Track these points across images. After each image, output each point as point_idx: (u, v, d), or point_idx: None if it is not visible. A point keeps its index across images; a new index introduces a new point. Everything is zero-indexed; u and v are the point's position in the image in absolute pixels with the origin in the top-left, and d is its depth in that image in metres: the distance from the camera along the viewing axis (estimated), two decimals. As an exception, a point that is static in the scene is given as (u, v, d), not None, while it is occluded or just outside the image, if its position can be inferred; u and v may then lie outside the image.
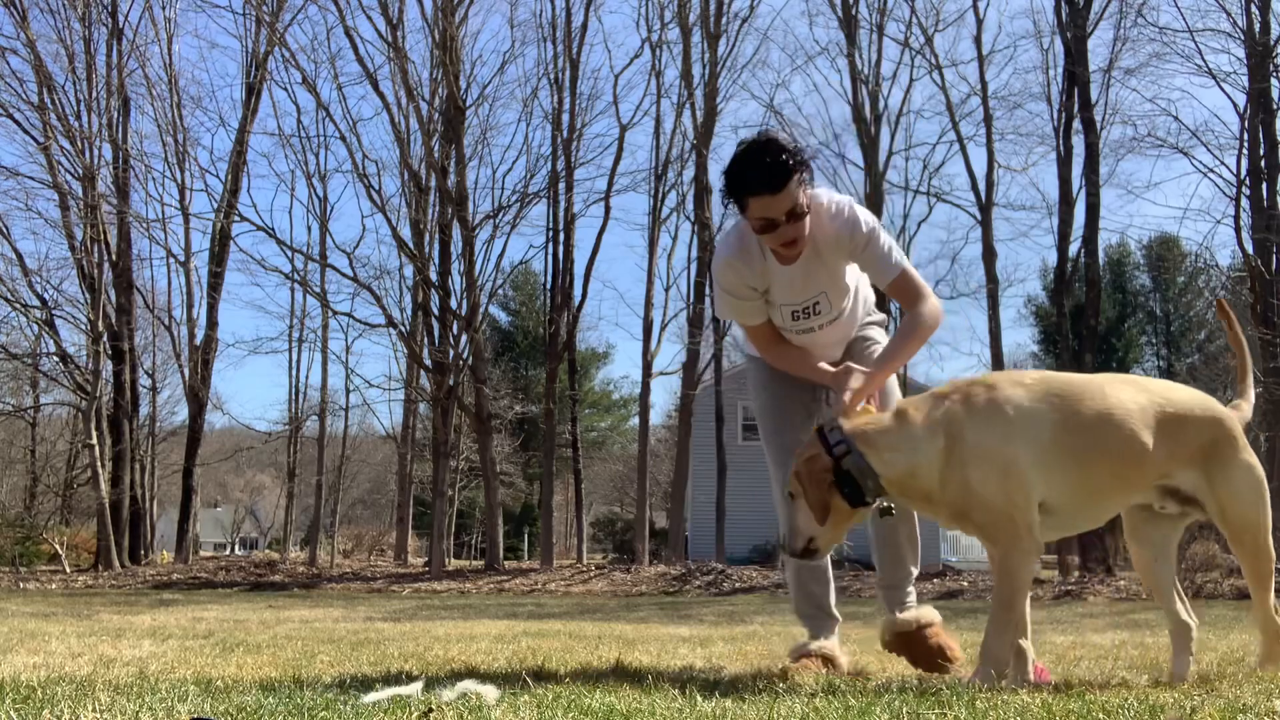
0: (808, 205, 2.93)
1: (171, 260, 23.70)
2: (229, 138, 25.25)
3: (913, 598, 3.27)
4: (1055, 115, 20.38)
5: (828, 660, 3.16)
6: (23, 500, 26.73)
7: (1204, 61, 19.71)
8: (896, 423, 2.71)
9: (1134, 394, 2.78)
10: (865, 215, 3.04)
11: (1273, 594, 2.79)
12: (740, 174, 2.90)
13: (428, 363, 20.93)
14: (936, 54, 21.18)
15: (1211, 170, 20.01)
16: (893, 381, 3.26)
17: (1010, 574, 2.61)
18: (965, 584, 15.48)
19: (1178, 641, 2.94)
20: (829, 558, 3.24)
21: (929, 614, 3.18)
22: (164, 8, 23.20)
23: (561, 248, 22.20)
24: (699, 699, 2.28)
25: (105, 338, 21.47)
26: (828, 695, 2.35)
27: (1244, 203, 19.26)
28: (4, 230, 21.39)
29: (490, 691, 2.30)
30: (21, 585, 16.61)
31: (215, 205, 23.30)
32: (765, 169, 2.85)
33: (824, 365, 3.13)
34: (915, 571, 3.32)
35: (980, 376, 2.82)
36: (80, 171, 21.49)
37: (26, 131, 21.35)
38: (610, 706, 2.17)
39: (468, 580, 17.47)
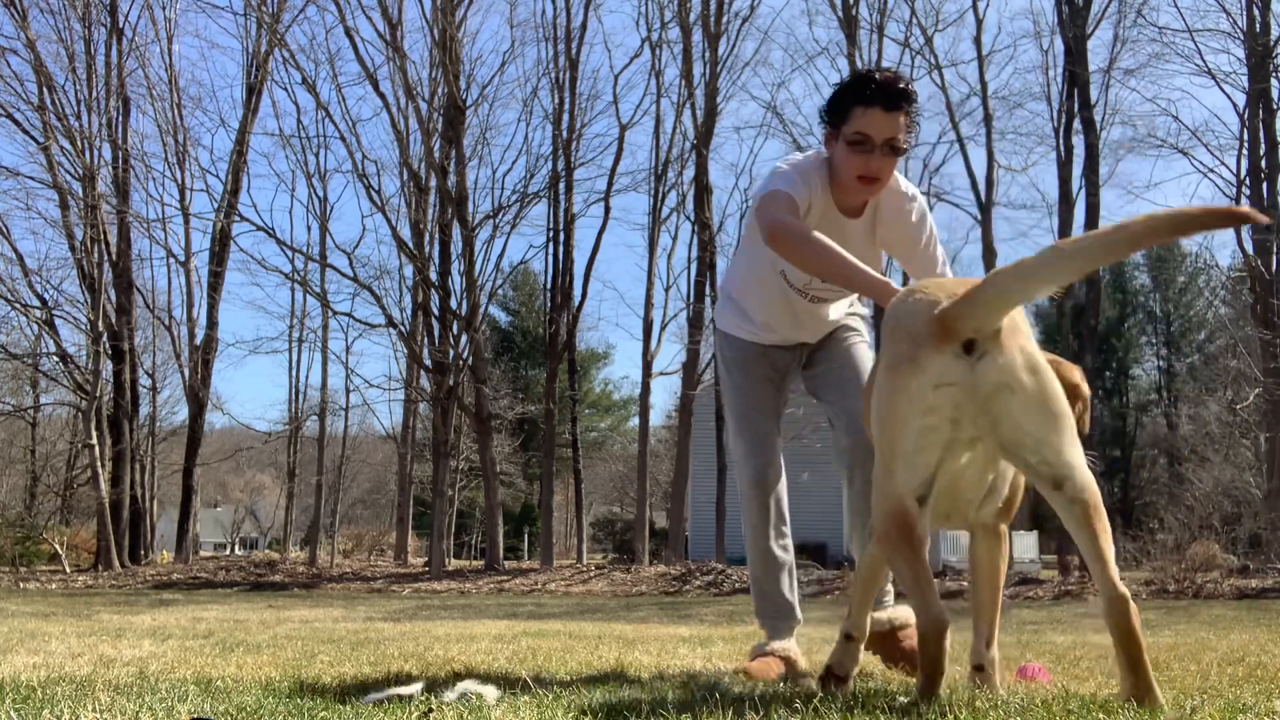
0: (906, 147, 2.85)
1: (171, 260, 23.76)
2: (229, 138, 25.28)
3: (889, 597, 3.13)
4: (1055, 115, 20.40)
5: (786, 661, 3.12)
6: (23, 500, 26.72)
7: (1204, 61, 19.78)
8: None
9: None
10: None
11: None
12: (860, 81, 2.82)
13: (428, 363, 20.92)
14: (936, 54, 21.22)
15: (1211, 170, 20.06)
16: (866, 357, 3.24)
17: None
18: (965, 583, 15.47)
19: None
20: (789, 558, 3.32)
21: (903, 615, 3.04)
22: (164, 8, 23.26)
23: (561, 248, 22.22)
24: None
25: (105, 338, 21.48)
26: (828, 696, 2.35)
27: (1244, 203, 19.26)
28: (4, 230, 21.40)
29: (490, 691, 2.30)
30: (21, 585, 16.61)
31: (215, 205, 23.36)
32: (889, 84, 2.79)
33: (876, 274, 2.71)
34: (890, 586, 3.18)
35: None
36: (80, 171, 21.49)
37: (26, 132, 21.37)
38: (610, 706, 2.17)
39: (468, 580, 17.46)
